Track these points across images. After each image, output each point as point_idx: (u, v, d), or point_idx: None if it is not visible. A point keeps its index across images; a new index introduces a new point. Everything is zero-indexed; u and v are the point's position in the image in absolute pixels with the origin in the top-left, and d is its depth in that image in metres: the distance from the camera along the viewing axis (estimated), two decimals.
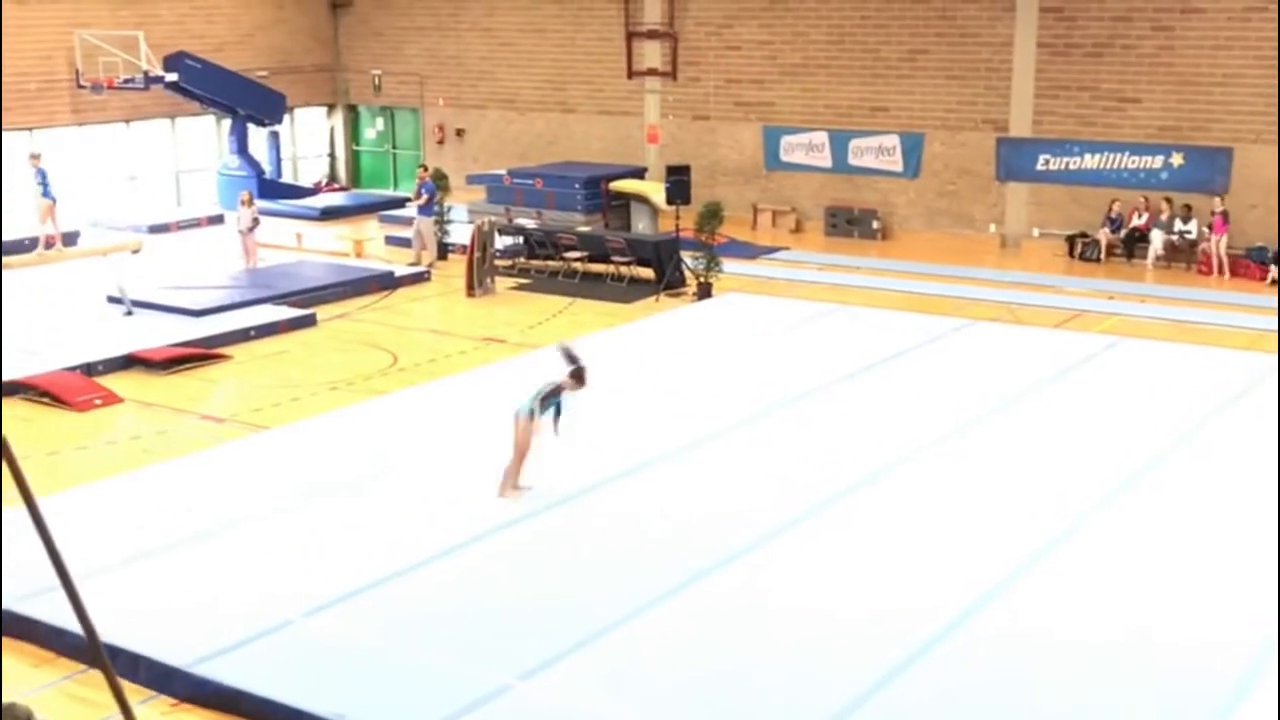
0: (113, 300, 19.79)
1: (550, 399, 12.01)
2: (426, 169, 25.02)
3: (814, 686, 8.79)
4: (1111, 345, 17.69)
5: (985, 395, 15.42)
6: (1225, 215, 22.41)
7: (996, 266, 23.82)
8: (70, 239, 24.79)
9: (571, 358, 12.14)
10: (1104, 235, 23.84)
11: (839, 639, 9.48)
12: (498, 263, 22.37)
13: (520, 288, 22.14)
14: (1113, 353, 17.33)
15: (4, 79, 26.36)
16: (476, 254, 21.45)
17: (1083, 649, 9.27)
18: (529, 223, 24.35)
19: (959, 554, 10.94)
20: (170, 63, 27.47)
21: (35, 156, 23.05)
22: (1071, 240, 24.42)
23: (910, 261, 24.20)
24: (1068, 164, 24.65)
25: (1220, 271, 22.47)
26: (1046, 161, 24.87)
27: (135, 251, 20.59)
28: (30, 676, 9.06)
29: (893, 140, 26.37)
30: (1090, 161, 24.43)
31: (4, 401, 15.55)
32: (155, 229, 26.61)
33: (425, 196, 23.74)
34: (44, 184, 22.53)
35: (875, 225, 26.47)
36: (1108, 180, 24.28)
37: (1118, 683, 8.83)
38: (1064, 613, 9.86)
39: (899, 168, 26.45)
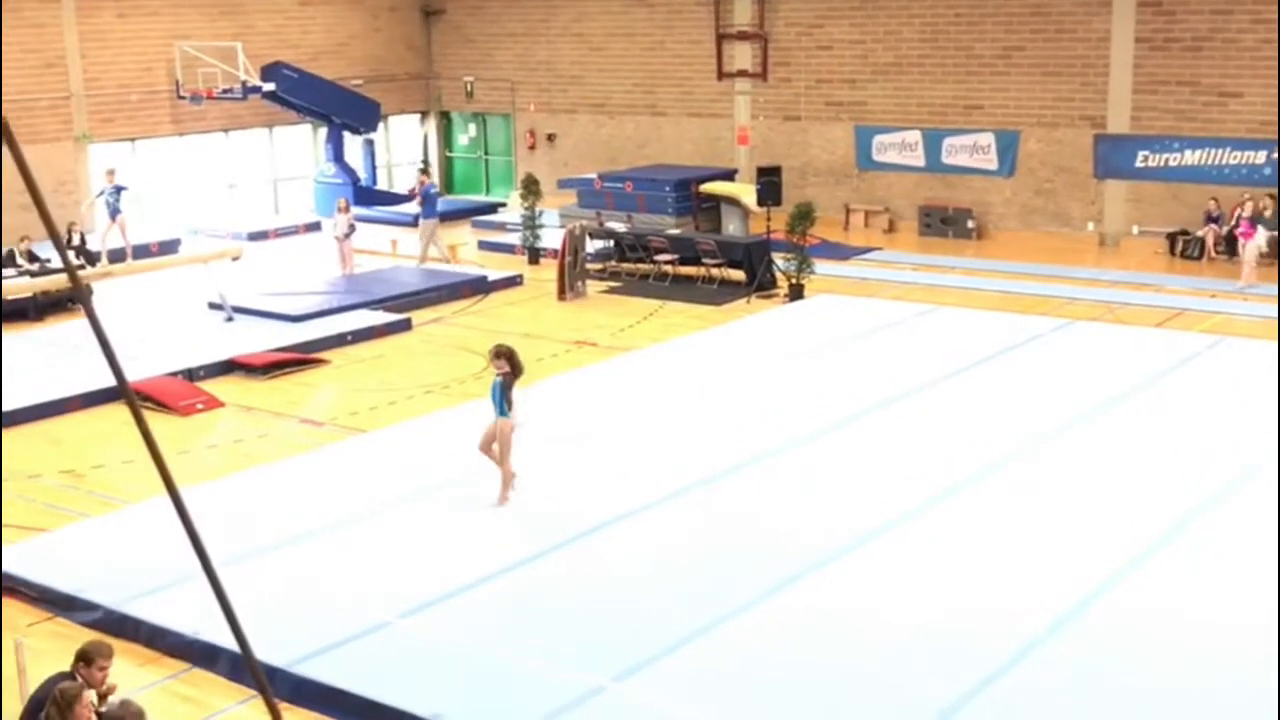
0: (213, 306, 20.15)
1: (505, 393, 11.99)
2: (426, 173, 26.23)
3: (911, 689, 8.70)
4: (1214, 344, 17.31)
5: (1085, 396, 15.17)
6: (1253, 220, 21.74)
7: (1095, 265, 23.42)
8: (171, 247, 25.31)
9: (502, 353, 12.02)
10: (1210, 232, 23.27)
11: (938, 643, 9.38)
12: (589, 266, 22.46)
13: (611, 291, 22.20)
14: (1215, 352, 16.96)
15: (108, 91, 27.06)
16: (568, 258, 21.55)
17: (1183, 654, 9.08)
18: (619, 226, 24.40)
19: (1059, 557, 10.77)
20: (267, 73, 27.93)
21: (110, 172, 23.34)
22: (1172, 238, 23.94)
23: (1006, 261, 23.87)
24: (1167, 160, 24.18)
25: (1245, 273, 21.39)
26: (1145, 158, 24.42)
27: (235, 259, 20.96)
28: (135, 676, 9.24)
29: (988, 138, 26.05)
30: (1191, 157, 23.94)
31: (110, 406, 15.90)
32: (254, 236, 27.07)
33: (421, 198, 24.10)
34: (115, 201, 22.77)
35: (970, 224, 26.15)
36: (1208, 177, 23.77)
37: (1220, 690, 8.63)
38: (1163, 616, 9.66)
39: (994, 166, 26.12)
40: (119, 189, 23.16)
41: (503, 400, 11.88)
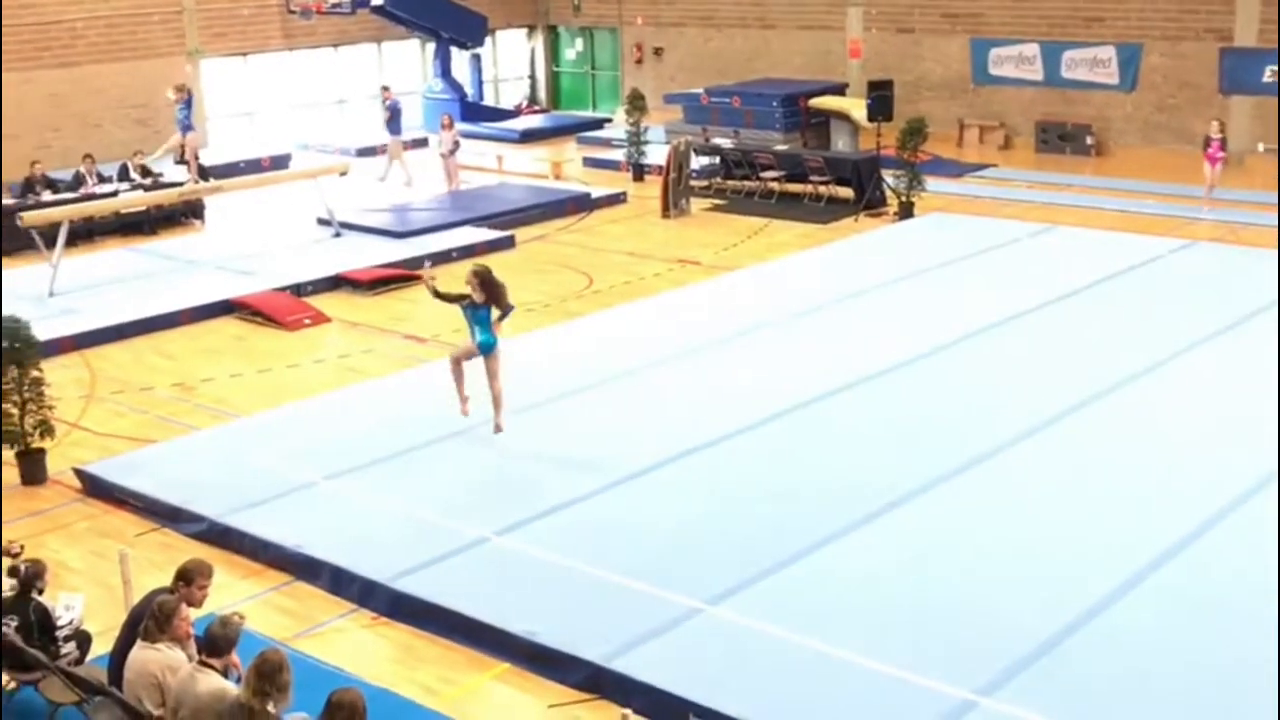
0: (322, 222, 20.31)
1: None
2: (389, 89, 25.68)
3: (1010, 619, 8.51)
4: None
5: (1206, 319, 14.68)
6: (1223, 142, 20.49)
7: (1219, 184, 22.60)
8: (282, 162, 25.52)
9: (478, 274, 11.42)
10: None
11: (1040, 572, 9.17)
12: (694, 183, 22.20)
13: (716, 209, 21.94)
14: None
15: (220, 5, 27.23)
16: (672, 175, 21.31)
17: None
18: (726, 142, 24.07)
19: (1170, 487, 10.47)
20: None
21: (180, 88, 22.23)
22: None
23: (1126, 179, 23.15)
24: None
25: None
26: (1273, 73, 23.44)
27: (343, 174, 21.04)
28: (238, 587, 9.40)
29: (1108, 51, 25.18)
30: None
31: (219, 320, 16.18)
32: (362, 152, 27.15)
33: (389, 114, 23.99)
34: (185, 118, 21.76)
35: (1089, 141, 25.40)
36: None
37: None
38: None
39: (1115, 80, 25.28)
40: (186, 105, 21.94)
41: (488, 327, 11.36)
